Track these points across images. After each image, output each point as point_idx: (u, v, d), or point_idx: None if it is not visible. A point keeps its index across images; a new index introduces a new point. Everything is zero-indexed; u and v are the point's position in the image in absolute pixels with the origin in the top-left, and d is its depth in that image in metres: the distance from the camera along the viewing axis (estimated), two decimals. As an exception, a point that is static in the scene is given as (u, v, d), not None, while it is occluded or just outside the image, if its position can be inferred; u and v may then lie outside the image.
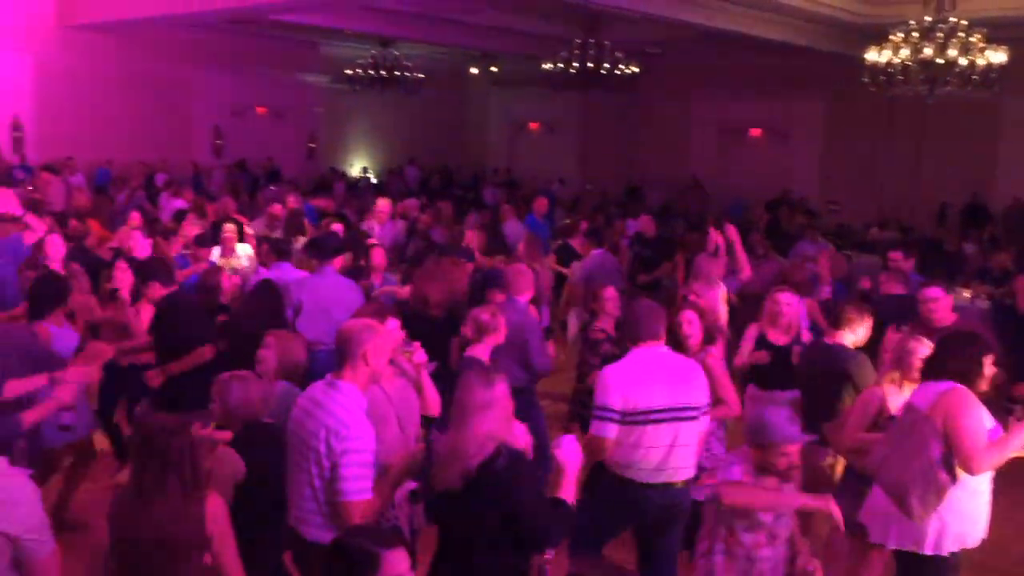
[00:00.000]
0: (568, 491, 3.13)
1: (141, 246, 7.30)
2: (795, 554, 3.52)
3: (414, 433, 3.96)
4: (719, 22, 13.70)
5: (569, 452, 3.15)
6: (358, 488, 3.19)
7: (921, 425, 3.60)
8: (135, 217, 9.15)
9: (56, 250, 6.63)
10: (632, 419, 3.89)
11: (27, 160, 15.98)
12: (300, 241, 8.23)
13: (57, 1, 16.42)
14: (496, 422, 3.02)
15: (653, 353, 4.02)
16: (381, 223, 9.07)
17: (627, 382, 3.93)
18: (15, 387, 4.03)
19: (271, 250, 7.23)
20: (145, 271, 5.67)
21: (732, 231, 7.57)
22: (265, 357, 4.23)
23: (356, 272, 6.76)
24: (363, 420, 3.28)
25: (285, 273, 6.50)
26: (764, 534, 3.42)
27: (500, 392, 3.07)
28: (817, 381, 4.93)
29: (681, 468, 3.98)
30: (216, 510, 3.12)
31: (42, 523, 2.73)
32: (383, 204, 9.43)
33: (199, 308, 5.53)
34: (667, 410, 3.90)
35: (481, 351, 4.78)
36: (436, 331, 5.32)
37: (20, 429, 3.95)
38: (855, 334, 4.94)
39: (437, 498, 3.10)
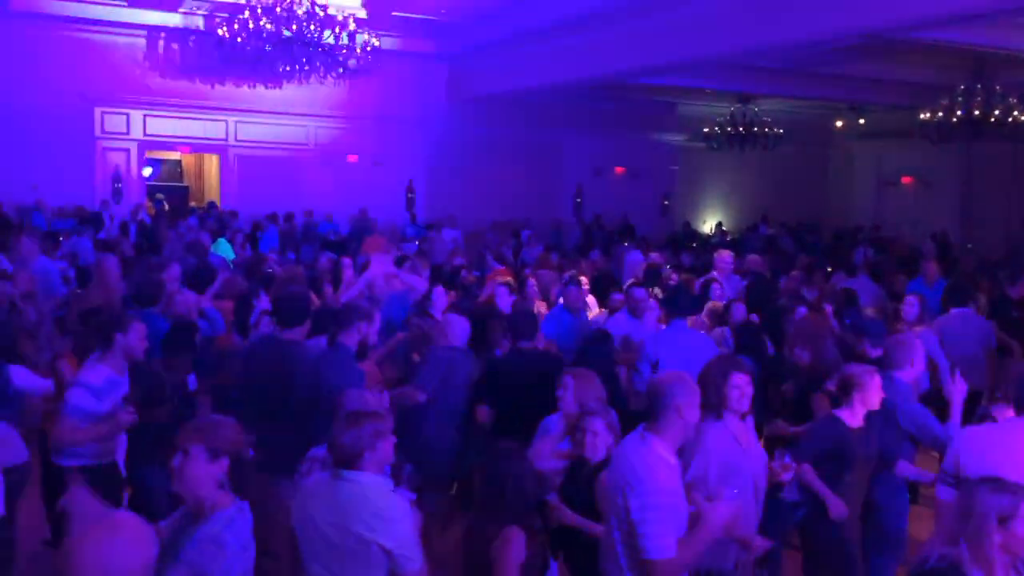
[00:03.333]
0: None
1: (504, 300, 7.81)
2: None
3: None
4: None
5: None
6: (658, 546, 3.07)
7: None
8: (502, 271, 9.91)
9: (440, 299, 7.31)
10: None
11: (417, 219, 18.09)
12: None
13: (448, 77, 18.56)
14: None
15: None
16: (724, 276, 8.82)
17: (970, 447, 3.56)
18: None
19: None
20: (512, 325, 5.84)
21: None
22: (563, 397, 4.30)
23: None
24: (665, 474, 3.15)
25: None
26: None
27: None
28: None
29: None
30: (512, 541, 3.17)
31: (414, 541, 3.10)
32: (725, 256, 9.18)
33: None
34: None
35: (849, 416, 4.32)
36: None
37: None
38: None
39: None
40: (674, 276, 9.56)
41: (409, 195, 18.91)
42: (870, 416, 4.34)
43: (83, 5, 14.49)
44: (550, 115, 19.33)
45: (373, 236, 14.27)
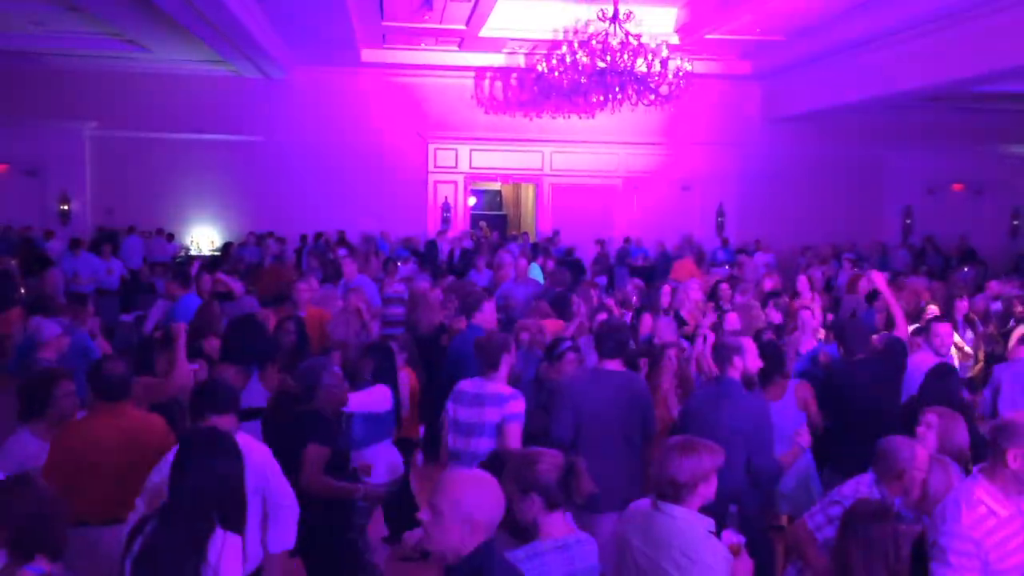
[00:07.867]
0: None
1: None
2: None
3: None
4: None
5: None
6: None
7: None
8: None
9: (732, 324, 7.03)
10: None
11: (728, 243, 17.69)
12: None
13: (762, 97, 18.02)
14: None
15: None
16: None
17: None
18: None
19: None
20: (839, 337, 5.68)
21: None
22: (924, 435, 3.95)
23: None
24: (975, 519, 2.98)
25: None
26: None
27: None
28: None
29: None
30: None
31: None
32: None
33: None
34: None
35: None
36: None
37: None
38: None
39: None
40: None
41: (719, 219, 18.56)
42: None
43: (420, 52, 16.05)
44: (873, 131, 18.05)
45: (683, 260, 14.17)
